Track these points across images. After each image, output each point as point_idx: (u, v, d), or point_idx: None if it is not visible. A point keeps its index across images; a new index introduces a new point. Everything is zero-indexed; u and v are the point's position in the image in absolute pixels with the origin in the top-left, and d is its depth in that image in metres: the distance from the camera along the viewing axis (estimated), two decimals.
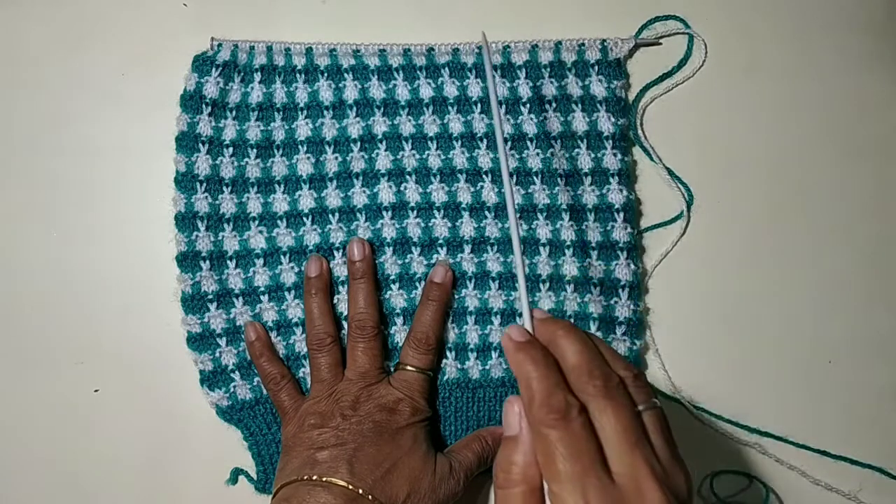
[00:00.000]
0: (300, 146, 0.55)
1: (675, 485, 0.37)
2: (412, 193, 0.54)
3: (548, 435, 0.36)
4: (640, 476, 0.35)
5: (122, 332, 0.55)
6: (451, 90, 0.55)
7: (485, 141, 0.55)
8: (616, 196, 0.54)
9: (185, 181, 0.54)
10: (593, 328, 0.54)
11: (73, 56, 0.57)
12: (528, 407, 0.37)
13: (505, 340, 0.40)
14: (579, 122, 0.55)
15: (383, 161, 0.55)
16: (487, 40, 0.50)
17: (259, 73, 0.55)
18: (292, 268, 0.54)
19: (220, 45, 0.55)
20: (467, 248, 0.54)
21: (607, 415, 0.36)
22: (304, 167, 0.55)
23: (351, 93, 0.55)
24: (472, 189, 0.55)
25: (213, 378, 0.54)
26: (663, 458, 0.37)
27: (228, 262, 0.54)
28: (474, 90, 0.55)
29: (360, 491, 0.46)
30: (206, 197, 0.54)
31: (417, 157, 0.55)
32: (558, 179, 0.55)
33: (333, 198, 0.55)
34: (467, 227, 0.54)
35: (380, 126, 0.55)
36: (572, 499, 0.35)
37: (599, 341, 0.40)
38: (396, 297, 0.54)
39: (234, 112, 0.54)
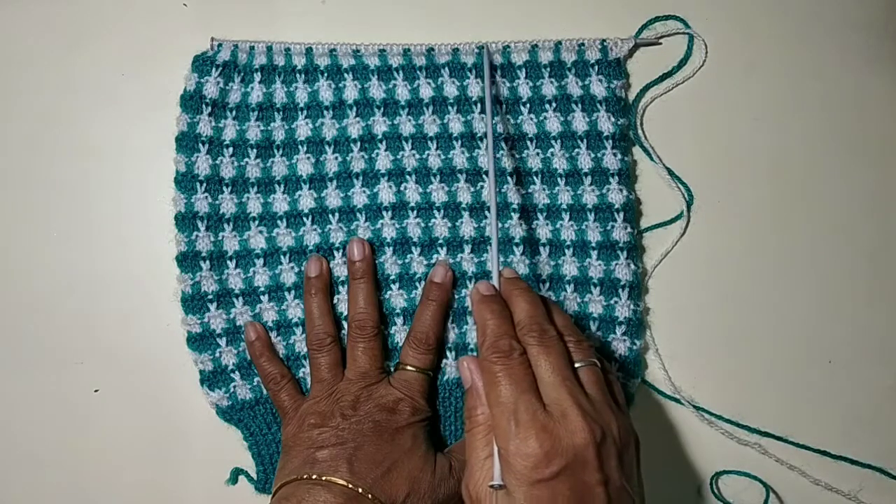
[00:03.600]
0: (300, 146, 0.55)
1: (603, 421, 0.42)
2: (412, 193, 0.54)
3: (492, 369, 0.43)
4: (565, 405, 0.41)
5: (122, 332, 0.55)
6: (450, 90, 0.55)
7: (485, 141, 0.55)
8: (616, 196, 0.54)
9: (185, 181, 0.54)
10: (593, 328, 0.54)
11: (73, 56, 0.57)
12: (481, 348, 0.45)
13: (473, 292, 0.48)
14: (579, 122, 0.55)
15: (383, 161, 0.54)
16: (489, 52, 0.55)
17: (259, 73, 0.55)
18: (292, 268, 0.54)
19: (220, 45, 0.55)
20: (467, 248, 0.54)
21: (541, 358, 0.43)
22: (304, 167, 0.55)
23: (351, 93, 0.55)
24: (472, 189, 0.55)
25: (213, 378, 0.54)
26: (595, 400, 0.43)
27: (228, 262, 0.54)
28: (474, 90, 0.55)
29: (360, 490, 0.46)
30: (206, 197, 0.54)
31: (417, 157, 0.55)
32: (558, 179, 0.55)
33: (333, 198, 0.55)
34: (467, 227, 0.54)
35: (380, 126, 0.55)
36: (505, 416, 0.41)
37: (556, 308, 0.48)
38: (396, 297, 0.54)
39: (234, 112, 0.54)
